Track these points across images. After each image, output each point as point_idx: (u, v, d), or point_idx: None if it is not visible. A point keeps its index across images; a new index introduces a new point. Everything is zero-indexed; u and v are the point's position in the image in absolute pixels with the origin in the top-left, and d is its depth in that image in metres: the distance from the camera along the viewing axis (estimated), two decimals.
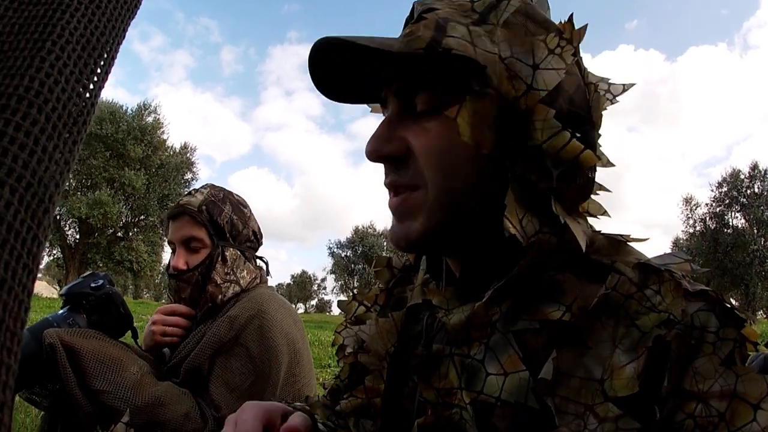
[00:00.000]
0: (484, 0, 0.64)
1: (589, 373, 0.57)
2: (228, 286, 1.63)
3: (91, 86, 0.31)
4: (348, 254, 57.81)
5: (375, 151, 0.67)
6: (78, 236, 32.16)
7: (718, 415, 0.51)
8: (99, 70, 0.32)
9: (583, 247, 0.61)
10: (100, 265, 31.16)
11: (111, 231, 32.69)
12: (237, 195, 1.77)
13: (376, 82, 0.72)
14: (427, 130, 0.65)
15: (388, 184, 0.69)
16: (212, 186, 1.74)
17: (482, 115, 0.62)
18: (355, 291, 0.88)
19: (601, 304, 0.59)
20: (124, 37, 0.35)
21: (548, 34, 0.63)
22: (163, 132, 34.07)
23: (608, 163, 0.73)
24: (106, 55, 0.33)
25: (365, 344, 0.76)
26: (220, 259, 1.63)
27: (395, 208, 0.68)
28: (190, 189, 1.73)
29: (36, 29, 0.30)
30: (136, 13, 0.36)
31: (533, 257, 0.62)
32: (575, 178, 0.63)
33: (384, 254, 0.90)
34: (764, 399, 0.51)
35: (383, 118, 0.70)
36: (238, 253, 1.68)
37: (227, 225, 1.65)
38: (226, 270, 1.63)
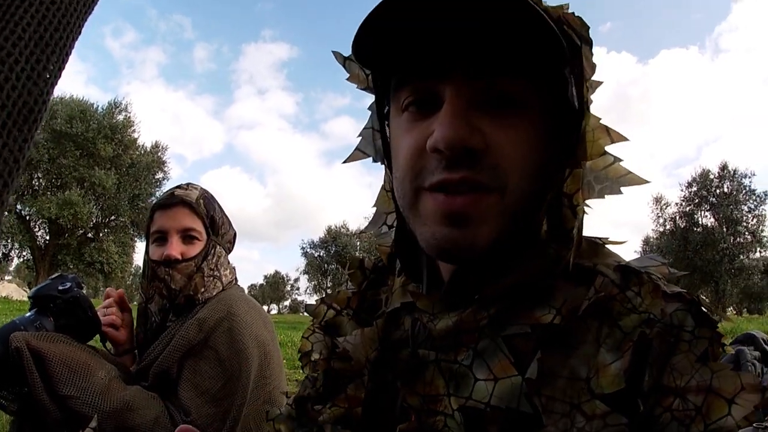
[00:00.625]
0: None
1: (574, 372, 0.57)
2: (212, 281, 1.63)
3: (43, 83, 0.30)
4: (321, 254, 57.13)
5: (460, 140, 0.56)
6: (48, 237, 31.55)
7: (695, 409, 0.53)
8: (52, 67, 0.31)
9: (571, 264, 0.63)
10: (71, 266, 30.57)
11: (81, 232, 32.14)
12: None
13: (439, 58, 0.60)
14: (511, 127, 0.59)
15: (458, 181, 0.58)
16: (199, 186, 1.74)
17: (559, 114, 0.63)
18: (329, 292, 0.86)
19: (587, 305, 0.60)
20: (79, 33, 0.34)
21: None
22: (134, 130, 33.61)
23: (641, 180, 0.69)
24: (59, 52, 0.32)
25: (340, 351, 0.74)
26: (211, 253, 1.64)
27: (461, 210, 0.58)
28: (180, 185, 1.71)
29: None
30: (93, 9, 0.35)
31: (533, 268, 0.63)
32: (603, 195, 0.67)
33: (357, 254, 0.88)
34: (738, 394, 0.52)
35: (450, 102, 0.59)
36: (223, 251, 1.70)
37: (218, 223, 1.68)
38: (211, 266, 1.63)
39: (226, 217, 1.74)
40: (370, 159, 0.79)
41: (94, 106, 31.97)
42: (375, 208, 0.81)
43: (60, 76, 0.32)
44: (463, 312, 0.63)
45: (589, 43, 0.63)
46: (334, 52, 0.78)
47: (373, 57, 0.64)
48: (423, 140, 0.60)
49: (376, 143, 0.77)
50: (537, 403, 0.57)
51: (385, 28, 0.58)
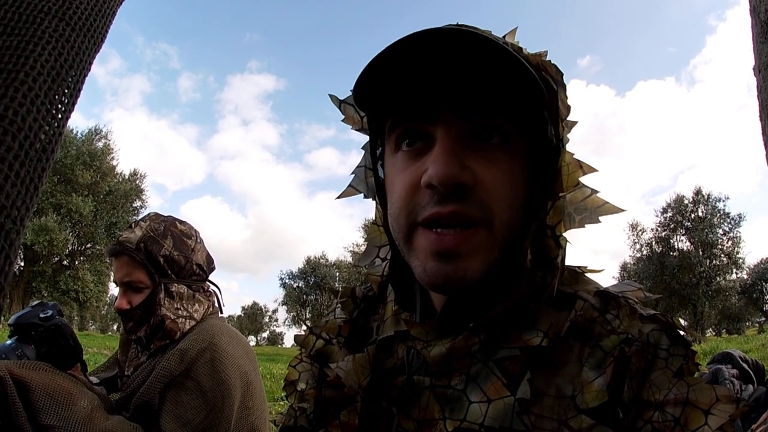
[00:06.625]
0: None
1: (561, 391, 0.61)
2: (184, 322, 1.63)
3: (59, 116, 0.32)
4: (300, 285, 55.67)
5: (452, 177, 0.60)
6: (23, 263, 30.87)
7: (674, 420, 0.57)
8: (66, 101, 0.33)
9: (555, 290, 0.67)
10: (45, 294, 29.94)
11: (57, 259, 31.56)
12: (182, 224, 1.74)
13: (431, 102, 0.64)
14: (497, 163, 0.63)
15: (448, 214, 0.61)
16: (153, 217, 1.71)
17: (539, 152, 0.68)
18: (308, 323, 0.88)
19: (569, 328, 0.64)
20: (89, 69, 0.36)
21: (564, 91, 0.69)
22: (113, 158, 33.38)
23: (617, 209, 0.73)
24: (72, 87, 0.34)
25: (332, 378, 0.75)
26: (165, 295, 1.62)
27: (451, 247, 0.61)
28: (134, 220, 1.70)
29: (10, 60, 0.31)
30: (101, 47, 0.38)
31: (520, 296, 0.66)
32: (584, 225, 0.71)
33: (336, 285, 0.90)
34: (714, 405, 0.57)
35: (441, 141, 0.63)
36: (185, 287, 1.67)
37: (167, 262, 1.64)
38: (176, 305, 1.63)
39: (184, 250, 1.68)
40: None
41: (74, 132, 31.68)
42: (367, 243, 0.85)
43: (73, 109, 0.34)
44: (455, 338, 0.66)
45: (564, 87, 0.68)
46: (330, 96, 0.82)
47: (372, 101, 0.68)
48: (417, 178, 0.64)
49: (368, 181, 0.81)
50: (527, 421, 0.60)
51: (384, 75, 0.63)
